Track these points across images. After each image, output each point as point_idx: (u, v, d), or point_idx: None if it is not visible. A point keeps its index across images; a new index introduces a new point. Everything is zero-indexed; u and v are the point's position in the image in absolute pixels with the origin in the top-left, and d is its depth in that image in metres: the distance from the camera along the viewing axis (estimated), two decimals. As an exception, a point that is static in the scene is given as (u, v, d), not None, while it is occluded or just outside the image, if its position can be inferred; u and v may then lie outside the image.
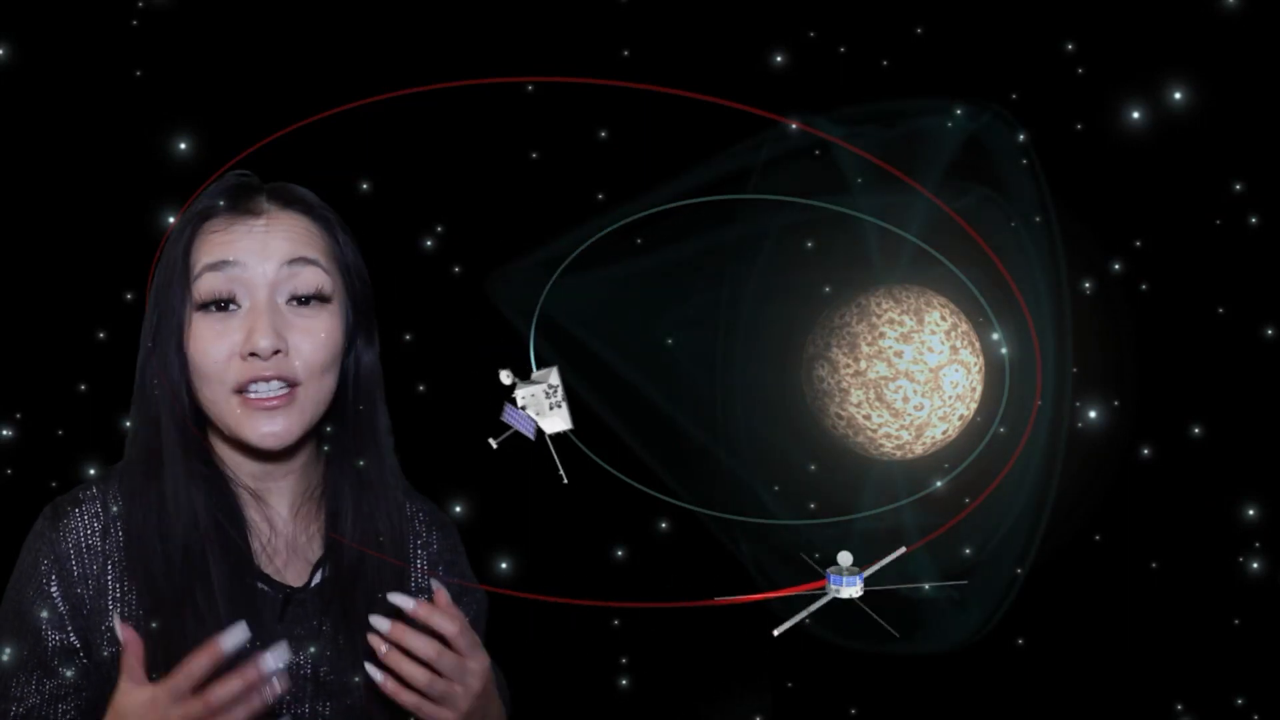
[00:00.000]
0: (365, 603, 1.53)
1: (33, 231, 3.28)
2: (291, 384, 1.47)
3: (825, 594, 2.21)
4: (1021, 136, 3.51)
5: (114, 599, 1.46)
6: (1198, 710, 3.56)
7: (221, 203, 1.53)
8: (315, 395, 1.51)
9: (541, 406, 1.84)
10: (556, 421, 1.88)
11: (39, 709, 1.43)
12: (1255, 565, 3.53)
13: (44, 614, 1.44)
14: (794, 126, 3.53)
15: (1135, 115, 3.52)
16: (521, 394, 1.84)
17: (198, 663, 1.31)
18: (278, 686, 1.33)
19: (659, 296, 3.56)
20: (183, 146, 3.44)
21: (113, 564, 1.47)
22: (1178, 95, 3.49)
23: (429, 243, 3.57)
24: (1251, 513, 3.53)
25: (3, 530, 1.81)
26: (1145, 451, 3.57)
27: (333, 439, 1.59)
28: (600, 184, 3.54)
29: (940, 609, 3.54)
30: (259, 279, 1.48)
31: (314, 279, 1.51)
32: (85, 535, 1.47)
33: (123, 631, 1.34)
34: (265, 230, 1.51)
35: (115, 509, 1.48)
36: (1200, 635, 3.55)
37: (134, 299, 3.37)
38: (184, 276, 1.48)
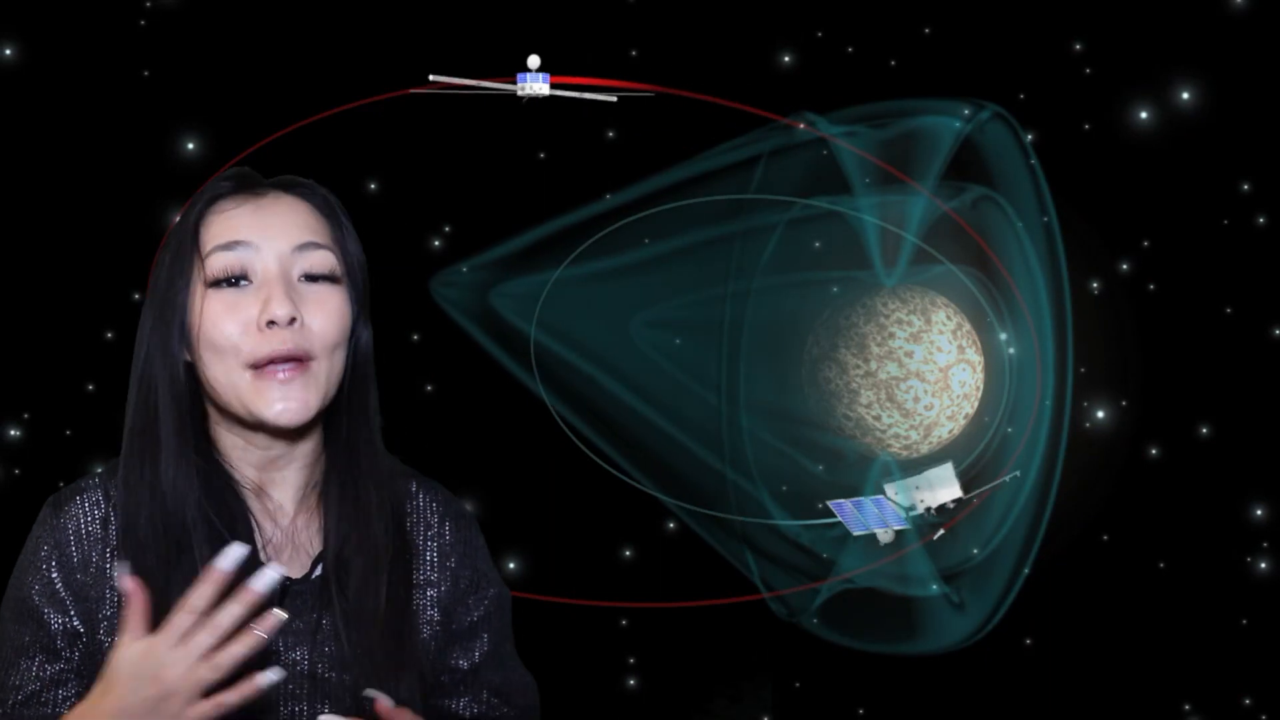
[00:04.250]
0: (357, 594, 1.50)
1: (39, 231, 3.29)
2: (305, 358, 1.46)
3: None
4: (1029, 136, 3.51)
5: (112, 587, 1.46)
6: (1205, 710, 3.56)
7: (228, 184, 1.52)
8: (328, 371, 1.49)
9: (918, 482, 1.73)
10: (945, 477, 1.76)
11: (39, 694, 1.43)
12: (1263, 565, 3.52)
13: (46, 599, 1.44)
14: (801, 127, 3.54)
15: (1143, 115, 3.52)
16: (892, 489, 1.72)
17: (200, 594, 1.29)
18: (276, 616, 1.29)
19: (660, 296, 3.57)
20: (190, 146, 3.47)
21: (112, 551, 1.47)
22: (1185, 95, 3.49)
23: (437, 243, 3.58)
24: (1259, 513, 3.53)
25: (10, 530, 1.82)
26: (1153, 451, 3.56)
27: (324, 420, 1.56)
28: (607, 184, 3.55)
29: (943, 609, 3.54)
30: (270, 257, 1.47)
31: (324, 260, 1.50)
32: (85, 523, 1.46)
33: (126, 582, 1.32)
34: (274, 213, 1.50)
35: (114, 498, 1.48)
36: (1208, 635, 3.54)
37: (141, 299, 3.38)
38: (192, 257, 1.47)
